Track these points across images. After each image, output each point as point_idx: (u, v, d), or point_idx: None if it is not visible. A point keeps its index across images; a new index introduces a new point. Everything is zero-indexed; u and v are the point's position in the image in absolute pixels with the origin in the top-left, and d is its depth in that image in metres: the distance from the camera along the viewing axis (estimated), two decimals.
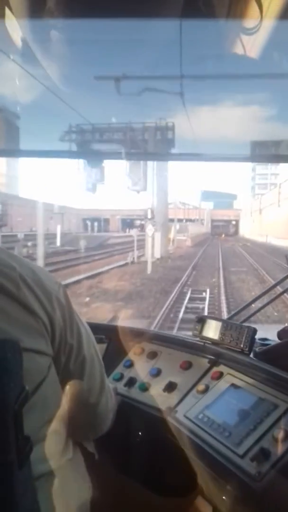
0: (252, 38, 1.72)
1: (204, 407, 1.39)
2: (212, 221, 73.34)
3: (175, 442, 1.40)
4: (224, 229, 71.29)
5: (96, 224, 54.82)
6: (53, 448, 0.95)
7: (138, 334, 1.82)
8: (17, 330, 0.86)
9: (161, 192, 27.01)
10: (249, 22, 1.64)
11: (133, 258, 22.60)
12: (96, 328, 1.49)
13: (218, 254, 29.31)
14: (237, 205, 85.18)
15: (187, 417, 1.40)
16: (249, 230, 64.80)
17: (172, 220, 36.71)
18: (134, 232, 23.00)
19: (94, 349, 1.09)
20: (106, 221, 60.60)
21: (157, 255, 23.59)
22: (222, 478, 1.20)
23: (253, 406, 1.27)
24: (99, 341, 1.73)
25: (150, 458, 1.53)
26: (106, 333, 1.81)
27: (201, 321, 1.65)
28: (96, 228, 53.52)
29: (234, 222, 76.57)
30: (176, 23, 1.89)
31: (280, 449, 1.10)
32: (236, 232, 73.66)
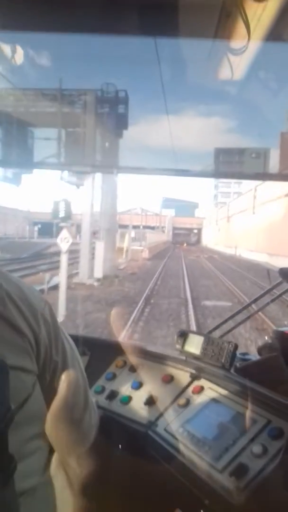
0: (237, 58, 1.77)
1: (185, 421, 1.40)
2: (174, 229, 71.53)
3: (155, 456, 1.40)
4: (186, 238, 69.78)
5: (48, 229, 45.91)
6: (36, 464, 0.96)
7: (120, 347, 1.82)
8: (2, 348, 0.86)
9: (108, 189, 18.64)
10: (236, 43, 1.70)
11: (58, 281, 12.06)
12: (78, 341, 1.49)
13: (182, 272, 23.01)
14: (199, 213, 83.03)
15: (167, 431, 1.41)
16: (213, 240, 59.97)
17: (125, 227, 30.73)
18: (63, 237, 11.21)
19: (78, 365, 1.10)
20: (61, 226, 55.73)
21: (99, 273, 16.55)
22: (201, 493, 1.22)
23: (233, 420, 1.30)
24: (81, 353, 1.70)
25: (130, 472, 1.53)
26: (88, 345, 1.81)
27: (183, 335, 1.67)
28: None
29: (196, 231, 75.14)
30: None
31: (258, 464, 1.13)
32: (198, 241, 71.98)
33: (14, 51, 1.70)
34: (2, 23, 1.54)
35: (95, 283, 16.15)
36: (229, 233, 48.15)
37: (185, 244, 60.34)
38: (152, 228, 52.43)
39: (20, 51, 1.75)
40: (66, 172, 14.22)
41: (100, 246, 16.99)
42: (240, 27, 1.62)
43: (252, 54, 1.74)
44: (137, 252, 30.20)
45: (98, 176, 17.28)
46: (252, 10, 1.58)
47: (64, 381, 1.03)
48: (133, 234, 33.52)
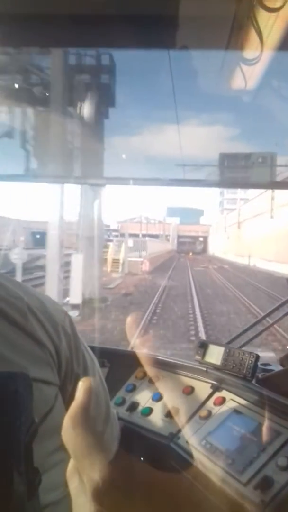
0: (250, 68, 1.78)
1: (207, 433, 1.39)
2: (179, 237, 69.17)
3: (178, 469, 1.39)
4: (191, 246, 67.58)
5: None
6: (60, 477, 0.95)
7: (140, 358, 1.81)
8: (25, 361, 0.87)
9: (92, 193, 14.07)
10: (249, 53, 1.71)
11: None
12: (98, 352, 1.49)
13: (190, 290, 18.48)
14: (204, 221, 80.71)
15: (190, 443, 1.40)
16: (222, 248, 55.02)
17: (121, 235, 29.06)
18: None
19: (99, 376, 1.10)
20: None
21: (76, 297, 12.35)
22: (225, 507, 1.20)
23: (256, 432, 1.28)
24: (101, 365, 1.72)
25: (152, 485, 1.51)
26: (108, 357, 1.81)
27: (203, 346, 1.66)
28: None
29: (201, 239, 72.74)
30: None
31: (284, 477, 1.11)
32: (204, 249, 69.32)
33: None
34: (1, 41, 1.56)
35: (70, 313, 12.02)
36: (241, 241, 42.78)
37: (190, 253, 57.62)
38: (156, 236, 48.92)
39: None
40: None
41: (77, 260, 12.72)
42: (253, 37, 1.63)
43: (265, 63, 1.75)
44: (136, 264, 25.93)
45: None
46: (264, 20, 1.59)
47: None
48: (131, 243, 29.23)
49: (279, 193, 29.70)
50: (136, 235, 37.18)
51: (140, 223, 45.45)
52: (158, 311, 13.20)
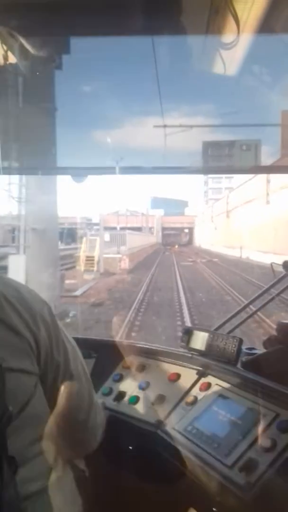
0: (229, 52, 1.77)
1: (193, 419, 1.40)
2: (163, 229, 66.66)
3: (165, 456, 1.40)
4: (177, 238, 65.01)
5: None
6: (42, 467, 0.96)
7: (126, 348, 1.82)
8: (2, 351, 0.86)
9: (40, 183, 10.95)
10: (227, 37, 1.70)
11: None
12: (85, 343, 1.49)
13: (178, 295, 14.23)
14: (189, 212, 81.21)
15: (176, 430, 1.41)
16: (209, 240, 50.25)
17: (104, 229, 25.63)
18: None
19: (81, 365, 1.10)
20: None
21: None
22: (212, 490, 1.22)
23: (241, 416, 1.29)
24: (88, 355, 1.72)
25: (140, 472, 1.52)
26: (95, 347, 1.81)
27: (188, 332, 1.67)
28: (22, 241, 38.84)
29: (187, 230, 69.75)
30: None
31: (267, 458, 1.12)
32: (190, 241, 66.49)
33: (6, 58, 1.69)
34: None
35: None
36: (230, 231, 37.88)
37: (176, 246, 54.50)
38: (139, 229, 45.32)
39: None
40: None
41: (17, 264, 9.74)
42: (230, 21, 1.63)
43: (243, 48, 1.75)
44: (113, 261, 22.11)
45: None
46: (241, 4, 1.58)
47: (67, 383, 1.04)
48: (107, 237, 25.57)
49: (277, 175, 20.82)
50: (112, 229, 31.83)
51: (122, 216, 42.47)
52: (134, 331, 9.53)
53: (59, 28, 1.70)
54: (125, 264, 22.27)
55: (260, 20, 1.60)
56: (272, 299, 1.93)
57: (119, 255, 22.90)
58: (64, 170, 1.98)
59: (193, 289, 15.59)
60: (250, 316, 1.99)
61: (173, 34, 1.82)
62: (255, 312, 2.02)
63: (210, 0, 1.60)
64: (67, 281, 15.03)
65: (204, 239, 55.09)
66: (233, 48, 1.71)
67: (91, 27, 1.73)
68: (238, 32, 1.63)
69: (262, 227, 27.08)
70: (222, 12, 1.61)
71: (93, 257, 21.47)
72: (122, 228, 31.34)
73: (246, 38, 1.70)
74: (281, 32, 1.70)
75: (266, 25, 1.62)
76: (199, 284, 17.36)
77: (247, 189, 31.80)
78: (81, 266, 20.97)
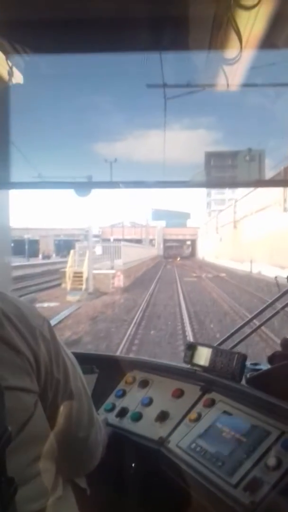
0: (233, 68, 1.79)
1: (197, 436, 1.38)
2: (165, 241, 64.73)
3: (169, 474, 1.38)
4: (178, 251, 64.15)
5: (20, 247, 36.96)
6: (43, 486, 0.94)
7: (129, 363, 1.80)
8: (1, 369, 0.85)
9: None
10: (230, 52, 1.72)
11: None
12: (87, 358, 1.48)
13: (182, 324, 11.00)
14: (191, 224, 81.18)
15: (179, 447, 1.38)
16: (213, 252, 47.21)
17: (102, 241, 22.56)
18: None
19: (81, 382, 1.08)
20: (35, 242, 45.86)
21: None
22: (216, 510, 1.19)
23: (246, 433, 1.27)
24: (90, 371, 1.71)
25: (143, 490, 1.50)
26: (97, 363, 1.79)
27: (191, 348, 1.65)
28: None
29: (189, 242, 69.00)
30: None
31: (273, 477, 1.10)
32: (193, 253, 65.43)
33: (11, 74, 1.71)
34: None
35: None
36: (238, 243, 34.34)
37: (178, 258, 53.30)
38: (139, 241, 43.44)
39: (18, 74, 1.76)
40: None
41: None
42: (233, 37, 1.64)
43: (246, 62, 1.76)
44: (105, 278, 18.80)
45: None
46: (244, 19, 1.59)
47: (67, 400, 1.02)
48: (99, 250, 22.23)
49: None
50: (105, 240, 29.78)
51: (121, 228, 41.46)
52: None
53: (54, 44, 1.71)
54: (119, 281, 19.04)
55: (262, 35, 1.61)
56: (277, 313, 1.89)
57: (113, 271, 19.66)
58: (67, 185, 1.99)
59: (201, 316, 12.11)
60: (254, 331, 1.97)
61: (177, 49, 1.85)
62: (259, 327, 2.00)
63: (213, 16, 1.61)
64: (45, 305, 13.36)
65: (208, 252, 52.34)
66: (236, 63, 1.72)
67: (96, 43, 1.75)
68: (241, 47, 1.64)
69: (277, 238, 23.08)
70: (225, 27, 1.62)
71: (81, 273, 18.44)
72: (117, 240, 27.58)
73: (248, 53, 1.71)
74: (283, 47, 1.72)
75: (268, 40, 1.64)
76: (209, 308, 13.75)
77: (260, 196, 28.18)
78: (67, 283, 18.37)
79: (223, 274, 26.82)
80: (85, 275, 18.23)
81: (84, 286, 17.82)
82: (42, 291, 17.99)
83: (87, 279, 18.10)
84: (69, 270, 18.84)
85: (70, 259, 19.65)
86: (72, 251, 20.57)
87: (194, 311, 12.90)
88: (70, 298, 15.35)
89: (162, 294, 17.42)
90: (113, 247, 23.07)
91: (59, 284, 18.90)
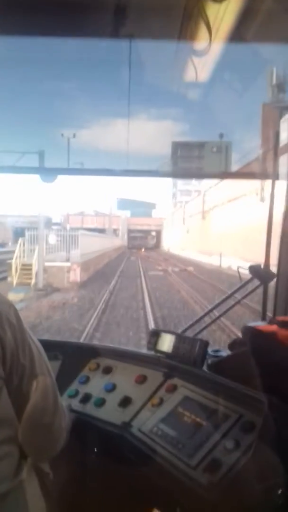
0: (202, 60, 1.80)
1: (159, 421, 1.41)
2: (129, 231, 62.05)
3: (131, 457, 1.40)
4: (143, 241, 62.38)
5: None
6: (6, 470, 0.95)
7: (93, 350, 1.81)
8: None
9: None
10: (199, 43, 1.73)
11: None
12: (50, 345, 1.47)
13: (146, 327, 9.19)
14: (156, 215, 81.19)
15: (142, 431, 1.41)
16: (179, 244, 44.75)
17: (63, 229, 20.05)
18: None
19: (46, 368, 1.09)
20: None
21: None
22: (176, 491, 1.23)
23: (206, 417, 1.31)
24: (54, 358, 1.70)
25: (105, 474, 1.52)
26: (61, 349, 1.79)
27: (155, 334, 1.67)
28: None
29: (154, 233, 67.10)
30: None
31: (231, 458, 1.14)
32: (157, 244, 63.71)
33: None
34: None
35: None
36: (207, 235, 32.11)
37: (143, 249, 51.27)
38: (103, 231, 40.23)
39: None
40: None
41: None
42: (202, 28, 1.65)
43: (215, 55, 1.78)
44: (60, 271, 16.24)
45: None
46: (214, 12, 1.60)
47: (32, 385, 1.03)
48: (53, 239, 19.11)
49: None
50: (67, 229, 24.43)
51: (82, 216, 39.76)
52: None
53: (24, 28, 1.67)
54: (76, 275, 16.40)
55: (231, 28, 1.63)
56: (237, 303, 1.95)
57: (68, 264, 16.75)
58: (33, 170, 1.96)
59: (170, 322, 10.31)
60: (214, 320, 2.02)
61: (146, 38, 1.84)
62: (218, 317, 2.04)
63: (184, 6, 1.61)
64: None
65: (173, 243, 49.40)
66: (205, 55, 1.73)
67: (64, 28, 1.72)
68: (210, 39, 1.65)
69: (253, 230, 18.36)
70: (195, 19, 1.62)
71: (30, 265, 15.92)
72: (73, 229, 23.15)
73: (217, 45, 1.72)
74: (251, 41, 1.74)
75: (237, 34, 1.66)
76: (179, 311, 11.83)
77: (233, 184, 25.37)
78: (13, 277, 15.61)
79: (190, 268, 24.61)
80: (34, 268, 15.76)
81: (33, 281, 15.42)
82: None
83: (37, 273, 15.63)
84: (15, 262, 16.03)
85: (17, 249, 16.81)
86: (20, 240, 17.59)
87: (161, 316, 11.15)
88: (12, 296, 12.46)
89: (124, 292, 14.99)
90: (69, 236, 19.67)
91: (5, 278, 16.18)
